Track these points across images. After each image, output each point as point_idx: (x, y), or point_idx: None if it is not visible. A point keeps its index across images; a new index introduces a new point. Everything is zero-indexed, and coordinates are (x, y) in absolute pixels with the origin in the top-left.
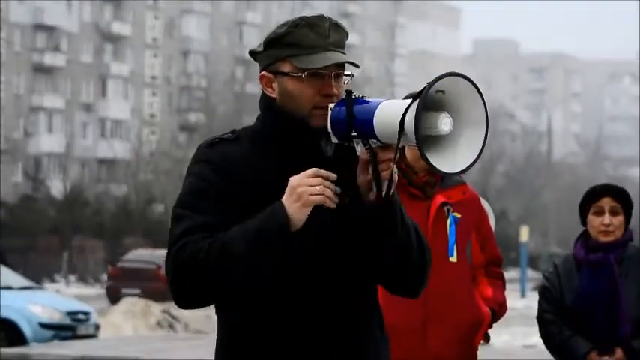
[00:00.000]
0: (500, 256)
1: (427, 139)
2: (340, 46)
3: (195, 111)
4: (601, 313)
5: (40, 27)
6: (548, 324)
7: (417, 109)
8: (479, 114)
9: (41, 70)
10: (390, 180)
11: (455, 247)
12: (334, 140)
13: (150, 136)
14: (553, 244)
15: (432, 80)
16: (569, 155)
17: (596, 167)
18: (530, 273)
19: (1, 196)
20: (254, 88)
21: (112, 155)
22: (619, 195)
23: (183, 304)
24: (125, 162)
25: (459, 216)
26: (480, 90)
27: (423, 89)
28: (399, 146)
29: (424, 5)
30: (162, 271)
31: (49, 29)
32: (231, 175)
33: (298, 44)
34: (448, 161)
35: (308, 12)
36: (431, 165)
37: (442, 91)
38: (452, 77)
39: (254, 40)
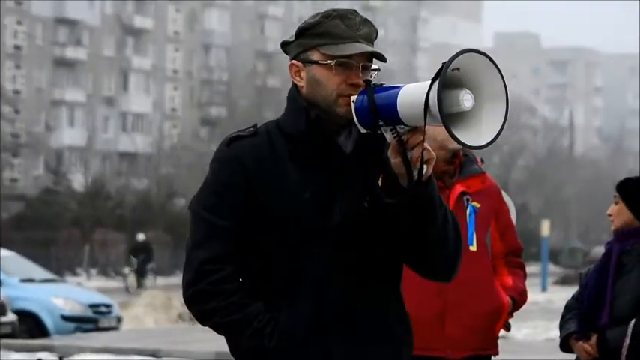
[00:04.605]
0: (520, 246)
1: (451, 117)
2: (369, 40)
3: (217, 105)
4: (588, 302)
5: (61, 21)
6: (565, 308)
7: (438, 87)
8: (497, 87)
9: (63, 63)
10: (423, 161)
11: (474, 236)
12: (362, 130)
13: (171, 130)
14: (574, 238)
15: (449, 59)
16: (591, 150)
17: (617, 161)
18: (551, 267)
19: (23, 189)
20: (275, 82)
21: (134, 149)
22: (619, 185)
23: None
24: (146, 156)
25: (478, 205)
26: (496, 63)
27: (440, 68)
28: (426, 127)
29: None
30: None
31: (71, 23)
32: (244, 173)
33: (329, 34)
34: (473, 136)
35: (330, 5)
36: (458, 140)
37: (457, 69)
38: (467, 54)
39: (275, 33)
